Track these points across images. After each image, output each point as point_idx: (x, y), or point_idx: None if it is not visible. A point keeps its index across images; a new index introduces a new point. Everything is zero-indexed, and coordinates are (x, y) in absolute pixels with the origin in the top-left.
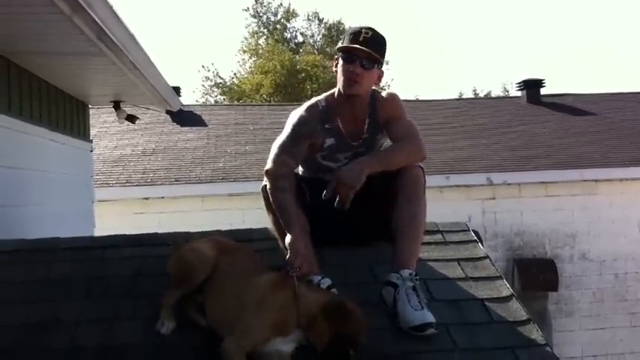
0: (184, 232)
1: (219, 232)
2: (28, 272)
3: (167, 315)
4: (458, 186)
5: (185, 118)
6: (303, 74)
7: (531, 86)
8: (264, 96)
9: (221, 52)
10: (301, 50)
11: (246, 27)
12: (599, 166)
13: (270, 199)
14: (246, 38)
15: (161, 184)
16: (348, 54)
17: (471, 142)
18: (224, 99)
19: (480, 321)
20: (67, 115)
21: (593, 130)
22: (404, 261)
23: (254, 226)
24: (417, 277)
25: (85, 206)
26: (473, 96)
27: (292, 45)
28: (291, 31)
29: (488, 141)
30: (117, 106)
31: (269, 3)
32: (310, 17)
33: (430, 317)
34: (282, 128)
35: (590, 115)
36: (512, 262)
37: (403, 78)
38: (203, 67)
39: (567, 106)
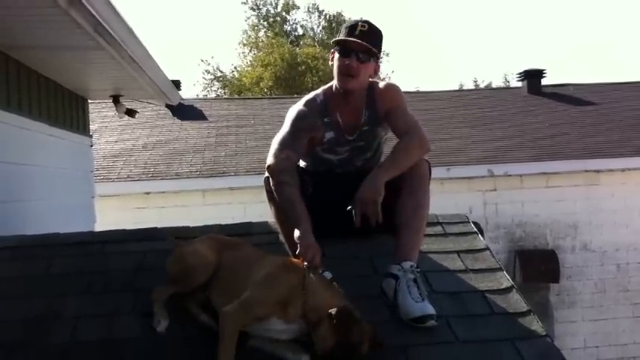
0: (184, 227)
1: (219, 226)
2: (28, 268)
3: (160, 311)
4: (459, 178)
5: (185, 112)
6: (303, 67)
7: (532, 77)
8: (265, 89)
9: (221, 45)
10: (301, 43)
11: (246, 20)
12: (601, 156)
13: (275, 194)
14: (246, 31)
15: (162, 179)
16: (344, 47)
17: (472, 133)
18: (224, 92)
19: (481, 313)
20: (67, 110)
21: (594, 120)
22: (405, 253)
23: (256, 220)
24: (418, 269)
25: (86, 201)
26: (474, 87)
27: (292, 37)
28: (290, 23)
29: (489, 132)
30: (116, 100)
31: None
32: (310, 9)
33: (430, 309)
34: (283, 122)
35: (592, 106)
36: (514, 254)
37: (404, 70)
38: (202, 60)
39: (568, 96)
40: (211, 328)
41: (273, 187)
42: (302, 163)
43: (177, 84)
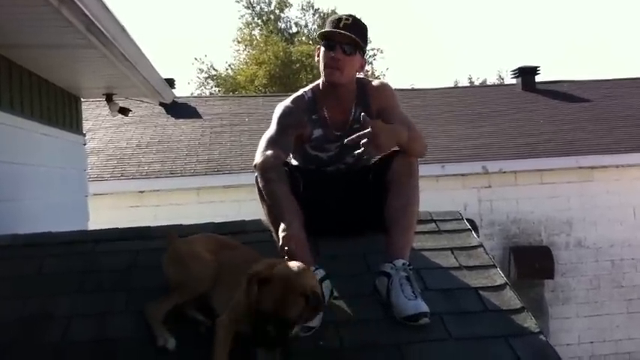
0: (177, 225)
1: (213, 224)
2: (20, 267)
3: (162, 330)
4: (453, 175)
5: (180, 110)
6: (297, 65)
7: (526, 74)
8: (259, 87)
9: (216, 43)
10: (296, 40)
11: (240, 18)
12: (595, 153)
13: (263, 191)
14: (240, 29)
15: (156, 177)
16: (328, 40)
17: (467, 130)
18: (219, 91)
19: (474, 310)
20: (59, 109)
21: (588, 116)
22: (397, 251)
23: (250, 218)
24: (411, 267)
25: (79, 200)
26: (468, 84)
27: (286, 35)
28: (285, 21)
29: (483, 129)
30: (109, 98)
31: None
32: (304, 7)
33: (424, 307)
34: None
35: (585, 102)
36: (509, 250)
37: (398, 67)
38: (196, 59)
39: (562, 93)
40: (207, 326)
41: (260, 185)
42: (293, 162)
43: (171, 82)
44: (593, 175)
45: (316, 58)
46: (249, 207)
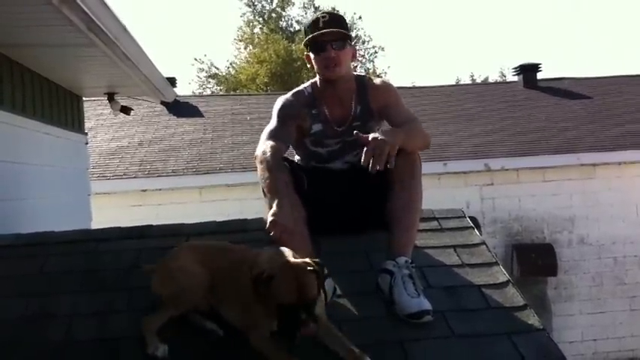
0: (177, 224)
1: (215, 223)
2: (23, 266)
3: (153, 338)
4: (455, 172)
5: (181, 109)
6: (299, 63)
7: (528, 71)
8: (261, 85)
9: (217, 41)
10: (297, 39)
11: (241, 16)
12: (597, 150)
13: (260, 180)
14: (241, 27)
15: (158, 176)
16: (316, 44)
17: (469, 128)
18: (220, 89)
19: (477, 307)
20: (61, 108)
21: (590, 113)
22: (400, 248)
23: (252, 217)
24: (413, 265)
25: (82, 199)
26: (470, 82)
27: (288, 33)
28: (286, 19)
29: (485, 127)
30: (111, 97)
31: None
32: (306, 5)
33: (426, 304)
34: None
35: (587, 99)
36: (511, 248)
37: (400, 65)
38: (196, 59)
39: (564, 90)
40: (217, 334)
41: (258, 175)
42: (296, 158)
43: (172, 81)
44: (595, 173)
45: (309, 65)
46: (251, 205)
